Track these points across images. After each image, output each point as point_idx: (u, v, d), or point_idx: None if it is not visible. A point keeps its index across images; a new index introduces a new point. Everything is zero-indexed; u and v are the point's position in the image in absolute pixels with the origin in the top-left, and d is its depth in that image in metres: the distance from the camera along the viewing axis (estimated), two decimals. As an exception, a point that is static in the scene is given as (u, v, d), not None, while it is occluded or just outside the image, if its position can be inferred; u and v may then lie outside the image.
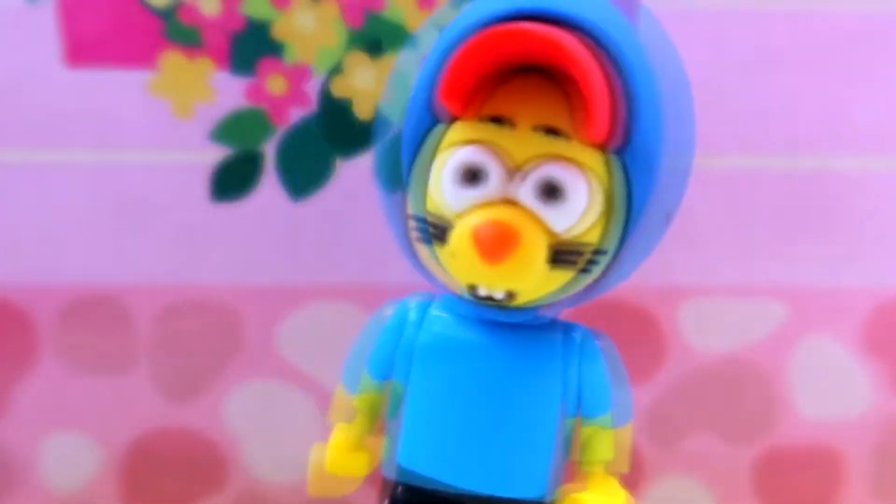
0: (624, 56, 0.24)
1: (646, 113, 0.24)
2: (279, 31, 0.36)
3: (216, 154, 0.37)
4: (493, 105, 0.25)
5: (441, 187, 0.25)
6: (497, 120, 0.25)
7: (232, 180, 0.37)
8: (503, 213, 0.24)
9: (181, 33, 0.36)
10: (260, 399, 0.39)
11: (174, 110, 0.36)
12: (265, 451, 0.39)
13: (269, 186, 0.37)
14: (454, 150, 0.25)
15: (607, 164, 0.25)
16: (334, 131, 0.37)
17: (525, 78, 0.25)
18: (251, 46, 0.36)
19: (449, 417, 0.27)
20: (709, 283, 0.38)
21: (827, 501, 0.41)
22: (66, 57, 0.36)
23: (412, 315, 0.28)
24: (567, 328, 0.28)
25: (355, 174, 0.37)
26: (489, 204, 0.24)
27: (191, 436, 0.39)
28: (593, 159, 0.25)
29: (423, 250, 0.26)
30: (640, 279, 0.38)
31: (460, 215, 0.25)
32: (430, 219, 0.25)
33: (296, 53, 0.36)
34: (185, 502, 0.40)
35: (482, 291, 0.25)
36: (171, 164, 0.37)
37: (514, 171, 0.25)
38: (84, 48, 0.36)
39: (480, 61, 0.24)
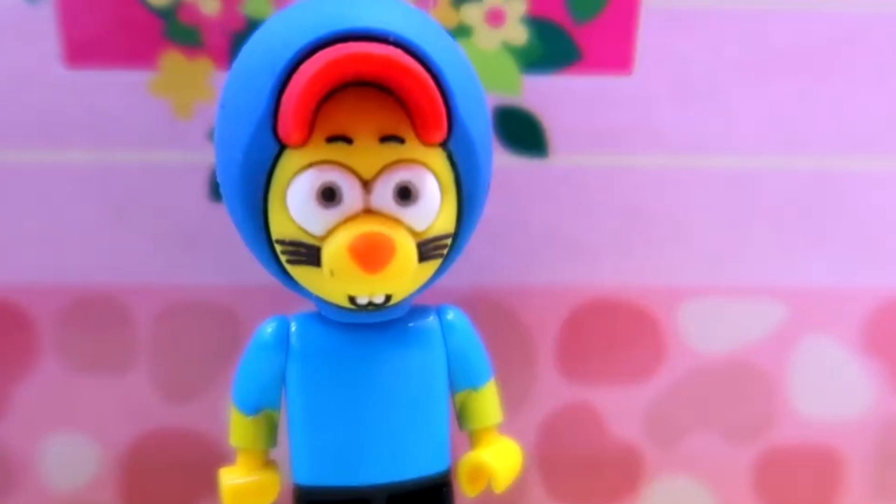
0: (434, 58, 0.25)
1: (461, 105, 0.26)
2: (279, 30, 0.36)
3: (216, 154, 0.37)
4: (333, 124, 0.25)
5: (301, 211, 0.26)
6: (337, 138, 0.25)
7: (232, 180, 0.37)
8: (372, 225, 0.25)
9: (181, 33, 0.36)
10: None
11: (174, 110, 0.36)
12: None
13: (269, 186, 0.37)
14: (305, 174, 0.25)
15: (439, 156, 0.26)
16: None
17: (356, 91, 0.25)
18: (251, 46, 0.36)
19: (342, 423, 0.28)
20: (709, 283, 0.38)
21: (827, 501, 0.41)
22: (65, 57, 0.36)
23: (274, 339, 0.29)
24: (426, 311, 0.29)
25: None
26: (352, 218, 0.26)
27: (191, 436, 0.39)
28: (432, 156, 0.26)
29: (295, 270, 0.27)
30: (641, 279, 0.38)
31: (326, 235, 0.26)
32: (296, 242, 0.26)
33: (296, 53, 0.36)
34: (184, 502, 0.40)
35: (362, 300, 0.27)
36: (170, 163, 0.37)
37: (367, 183, 0.26)
38: (84, 48, 0.36)
39: (318, 90, 0.24)
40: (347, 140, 0.25)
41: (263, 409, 0.29)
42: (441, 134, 0.26)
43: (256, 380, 0.29)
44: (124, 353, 0.38)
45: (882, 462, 0.40)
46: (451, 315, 0.30)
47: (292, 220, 0.26)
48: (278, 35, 0.26)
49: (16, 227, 0.37)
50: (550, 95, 0.36)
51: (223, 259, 0.37)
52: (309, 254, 0.26)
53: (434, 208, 0.26)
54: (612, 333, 0.39)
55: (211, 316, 0.38)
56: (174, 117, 0.36)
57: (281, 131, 0.25)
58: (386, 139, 0.26)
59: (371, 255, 0.25)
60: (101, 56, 0.36)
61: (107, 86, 0.36)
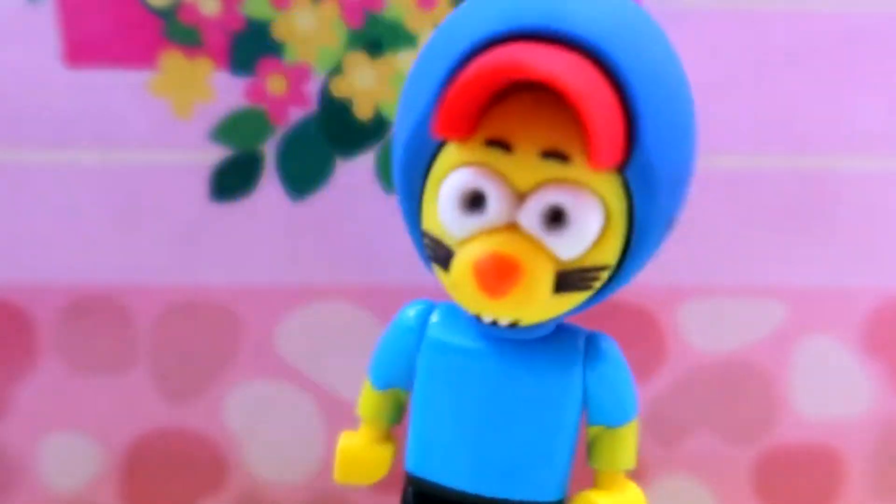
0: (628, 71, 0.23)
1: (649, 129, 0.23)
2: (279, 31, 0.36)
3: (216, 154, 0.37)
4: (493, 127, 0.23)
5: (445, 210, 0.24)
6: (497, 143, 0.23)
7: (232, 180, 0.37)
8: (505, 245, 0.23)
9: (181, 33, 0.36)
10: (260, 399, 0.39)
11: (174, 110, 0.36)
12: (265, 451, 0.39)
13: (269, 186, 0.37)
14: (456, 172, 0.24)
15: (610, 182, 0.23)
16: (334, 131, 0.37)
17: (525, 95, 0.23)
18: (251, 46, 0.36)
19: (458, 424, 0.27)
20: (709, 283, 0.38)
21: (827, 501, 0.41)
22: (65, 57, 0.36)
23: (414, 322, 0.27)
24: (575, 333, 0.27)
25: (355, 174, 0.37)
26: (492, 231, 0.23)
27: (191, 436, 0.39)
28: (602, 181, 0.23)
29: (434, 267, 0.25)
30: (640, 279, 0.38)
31: (462, 242, 0.24)
32: (435, 240, 0.25)
33: (296, 53, 0.36)
34: (184, 502, 0.40)
35: (486, 318, 0.25)
36: (170, 163, 0.37)
37: (517, 196, 0.23)
38: (84, 48, 0.36)
39: (475, 93, 0.22)
40: (506, 147, 0.23)
41: (393, 387, 0.28)
42: (610, 162, 0.23)
43: (390, 357, 0.28)
44: (124, 352, 0.38)
45: (882, 462, 0.40)
46: (598, 344, 0.27)
47: (438, 216, 0.24)
48: (463, 23, 0.24)
49: (16, 227, 0.37)
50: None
51: (223, 259, 0.37)
52: (445, 256, 0.24)
53: (588, 238, 0.24)
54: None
55: (211, 316, 0.38)
56: (174, 117, 0.36)
57: (436, 127, 0.23)
58: (548, 155, 0.23)
59: (493, 279, 0.23)
60: (102, 56, 0.36)
61: (107, 86, 0.36)
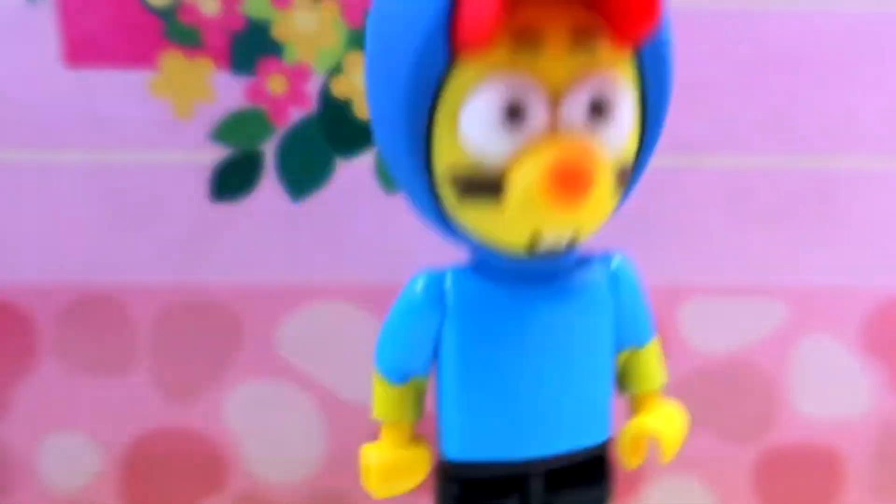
0: None
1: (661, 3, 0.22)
2: (279, 31, 0.36)
3: (216, 154, 0.37)
4: (520, 19, 0.21)
5: (480, 135, 0.22)
6: (524, 37, 0.21)
7: (232, 180, 0.37)
8: (570, 150, 0.21)
9: (181, 33, 0.36)
10: (260, 399, 0.39)
11: (174, 110, 0.36)
12: (265, 451, 0.39)
13: (269, 186, 0.37)
14: (485, 87, 0.21)
15: (630, 65, 0.22)
16: (334, 131, 0.37)
17: None
18: (251, 46, 0.36)
19: (502, 388, 0.24)
20: (709, 283, 0.38)
21: (827, 501, 0.41)
22: (65, 57, 0.36)
23: (429, 297, 0.25)
24: (593, 260, 0.26)
25: (355, 174, 0.37)
26: (541, 139, 0.22)
27: (191, 436, 0.39)
28: (623, 63, 0.22)
29: (464, 210, 0.23)
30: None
31: (509, 162, 0.22)
32: (471, 173, 0.22)
33: (296, 53, 0.36)
34: (185, 502, 0.40)
35: (547, 241, 0.23)
36: (171, 163, 0.37)
37: (557, 96, 0.22)
38: (84, 48, 0.36)
39: None
40: (534, 40, 0.21)
41: (413, 377, 0.25)
42: (654, 24, 0.21)
43: (406, 343, 0.25)
44: (124, 352, 0.38)
45: (882, 462, 0.40)
46: (617, 263, 0.26)
47: (467, 147, 0.22)
48: None
49: (16, 227, 0.37)
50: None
51: (223, 259, 0.37)
52: (488, 186, 0.22)
53: (627, 126, 0.22)
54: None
55: (211, 316, 0.38)
56: (174, 117, 0.36)
57: (465, 23, 0.21)
58: (581, 39, 0.21)
59: (573, 180, 0.21)
60: (102, 56, 0.36)
61: (107, 86, 0.36)
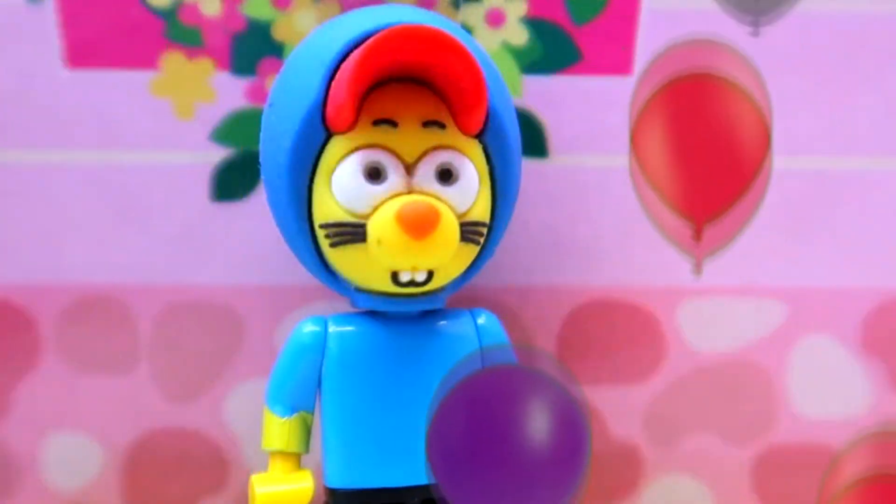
0: (474, 55, 0.27)
1: (496, 99, 0.28)
2: (280, 31, 0.36)
3: (217, 154, 0.37)
4: (378, 109, 0.27)
5: (347, 190, 0.27)
6: (383, 122, 0.27)
7: (233, 180, 0.37)
8: (415, 201, 0.26)
9: (182, 34, 0.36)
10: (260, 399, 0.39)
11: (175, 111, 0.36)
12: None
13: (270, 187, 0.37)
14: (353, 155, 0.27)
15: (476, 147, 0.28)
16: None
17: (400, 85, 0.28)
18: (252, 47, 0.36)
19: (378, 421, 0.28)
20: (709, 283, 0.38)
21: (826, 501, 0.41)
22: (67, 57, 0.36)
23: (312, 339, 0.29)
24: (461, 312, 0.30)
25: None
26: (397, 195, 0.27)
27: (192, 436, 0.39)
28: (469, 145, 0.28)
29: (336, 256, 0.28)
30: (640, 279, 0.38)
31: (371, 212, 0.27)
32: (341, 223, 0.27)
33: (296, 54, 0.36)
34: (185, 502, 0.40)
35: (405, 276, 0.27)
36: (172, 164, 0.37)
37: (410, 166, 0.27)
38: (85, 49, 0.36)
39: (368, 69, 0.26)
40: (392, 124, 0.27)
41: (299, 411, 0.29)
42: (481, 117, 0.28)
43: (293, 380, 0.29)
44: (125, 352, 0.38)
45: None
46: (483, 318, 0.30)
47: (337, 202, 0.27)
48: (326, 37, 0.28)
49: (17, 227, 0.37)
50: (550, 96, 0.36)
51: (223, 259, 0.38)
52: (354, 232, 0.27)
53: (473, 191, 0.28)
54: (612, 333, 0.39)
55: (211, 316, 0.38)
56: (175, 118, 0.36)
57: (330, 115, 0.27)
58: (428, 124, 0.28)
59: (418, 222, 0.26)
60: (103, 57, 0.36)
61: (108, 86, 0.36)
